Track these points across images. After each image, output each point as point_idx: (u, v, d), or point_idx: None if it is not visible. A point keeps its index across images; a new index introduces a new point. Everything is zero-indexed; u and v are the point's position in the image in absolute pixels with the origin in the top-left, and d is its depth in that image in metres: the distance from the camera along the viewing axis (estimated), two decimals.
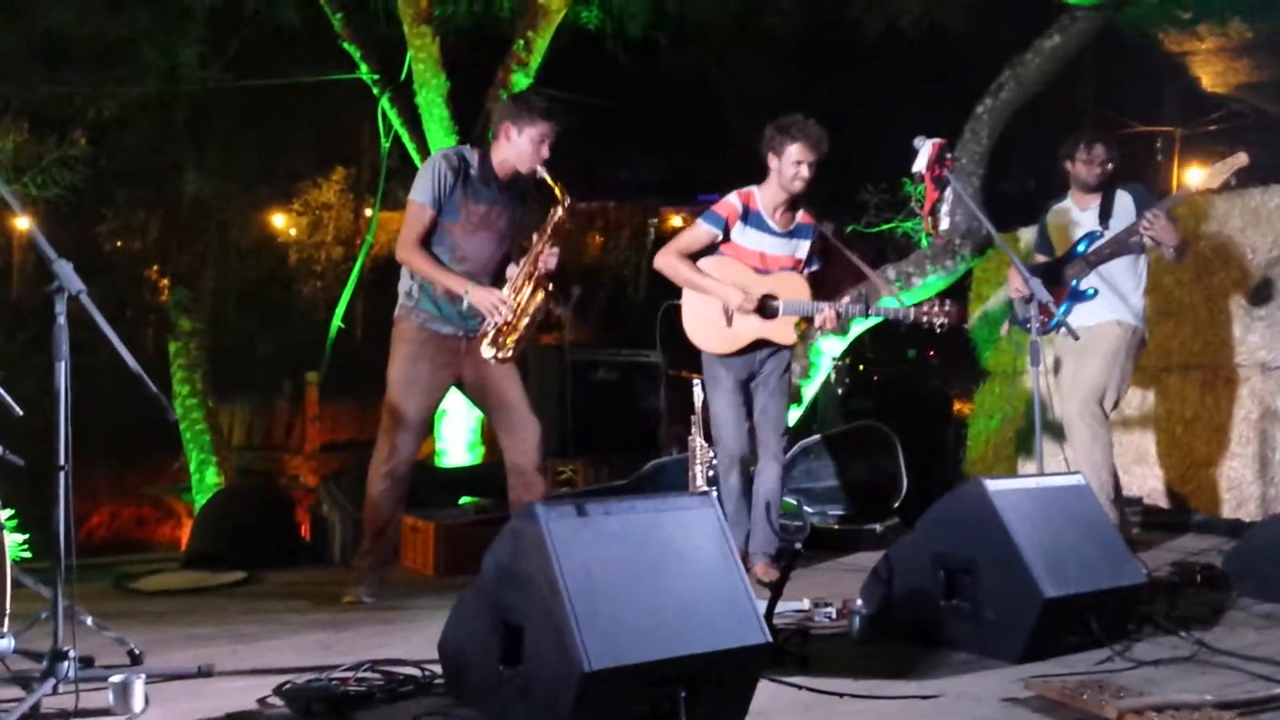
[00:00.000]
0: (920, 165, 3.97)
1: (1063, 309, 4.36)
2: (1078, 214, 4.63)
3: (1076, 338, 4.02)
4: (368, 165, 14.55)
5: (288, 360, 15.05)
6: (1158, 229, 4.30)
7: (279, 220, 15.88)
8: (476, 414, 8.53)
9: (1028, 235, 5.90)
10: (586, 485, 6.37)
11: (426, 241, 3.95)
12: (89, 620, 2.94)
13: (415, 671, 2.77)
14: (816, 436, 5.78)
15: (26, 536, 7.83)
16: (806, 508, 5.46)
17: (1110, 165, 4.55)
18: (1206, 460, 5.42)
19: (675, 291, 4.36)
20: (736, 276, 4.22)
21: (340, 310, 12.06)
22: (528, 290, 3.93)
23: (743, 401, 4.27)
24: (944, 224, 5.99)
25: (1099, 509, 3.39)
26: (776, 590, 3.03)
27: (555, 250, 3.93)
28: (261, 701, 2.62)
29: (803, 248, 4.31)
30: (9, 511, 2.65)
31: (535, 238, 3.96)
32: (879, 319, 7.30)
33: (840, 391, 7.98)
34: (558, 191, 3.92)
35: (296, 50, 10.14)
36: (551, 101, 4.02)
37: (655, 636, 2.26)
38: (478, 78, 8.60)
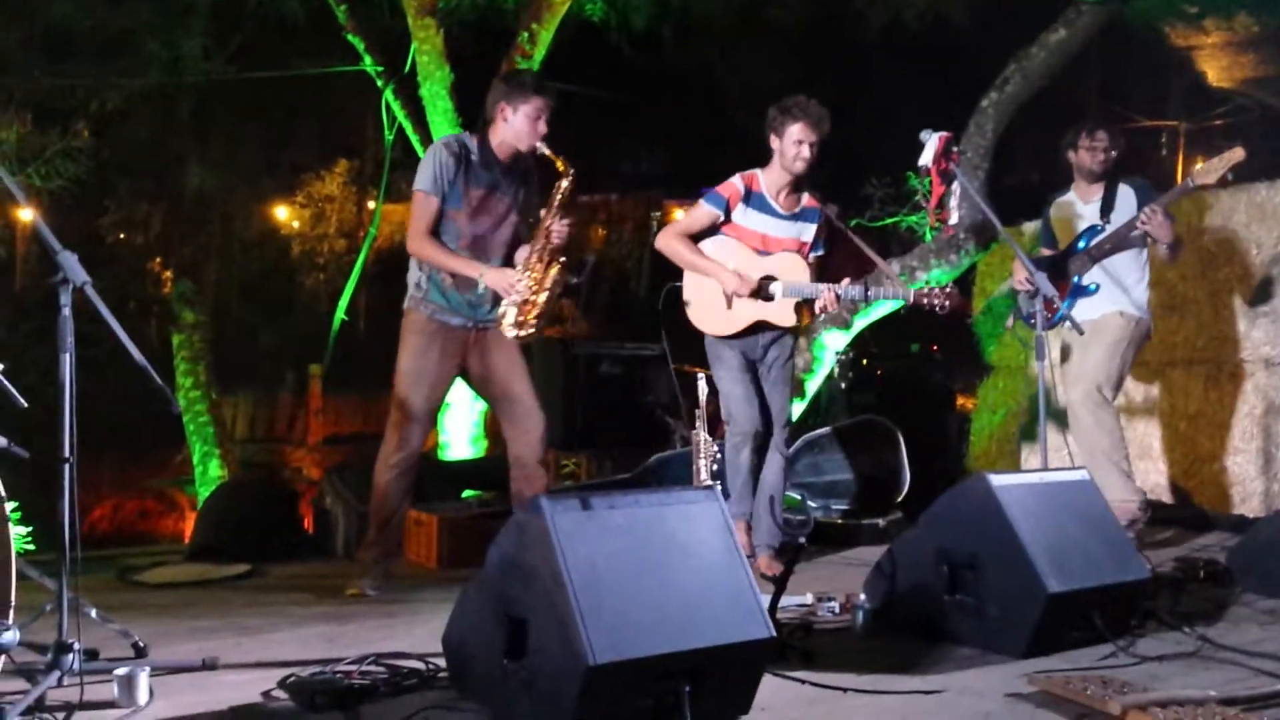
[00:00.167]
0: (927, 159, 3.97)
1: (1065, 304, 4.36)
2: (1080, 207, 4.64)
3: (1081, 332, 4.03)
4: (371, 158, 14.53)
5: (291, 353, 15.05)
6: (1154, 225, 4.30)
7: (282, 212, 15.87)
8: (480, 407, 8.53)
9: (1032, 229, 5.89)
10: (590, 479, 6.38)
11: (435, 231, 3.96)
12: (93, 613, 2.95)
13: (419, 665, 2.77)
14: (820, 431, 5.78)
15: (30, 529, 7.84)
16: (810, 502, 5.46)
17: (1113, 152, 4.54)
18: (1210, 456, 5.41)
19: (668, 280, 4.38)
20: (736, 257, 4.23)
21: (344, 303, 12.05)
22: (541, 266, 3.94)
23: (751, 379, 4.26)
24: (954, 218, 5.97)
25: (1103, 504, 3.38)
26: (780, 584, 3.03)
27: (565, 222, 3.94)
28: (266, 694, 2.62)
29: (808, 231, 4.30)
30: (13, 504, 2.65)
31: (543, 213, 3.97)
32: (883, 313, 7.34)
33: (843, 385, 7.97)
34: (559, 164, 3.94)
35: (300, 42, 10.12)
36: (540, 76, 4.04)
37: (659, 630, 2.26)
38: (482, 70, 8.55)
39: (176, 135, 11.39)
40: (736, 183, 4.26)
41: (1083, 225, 4.57)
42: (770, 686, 2.58)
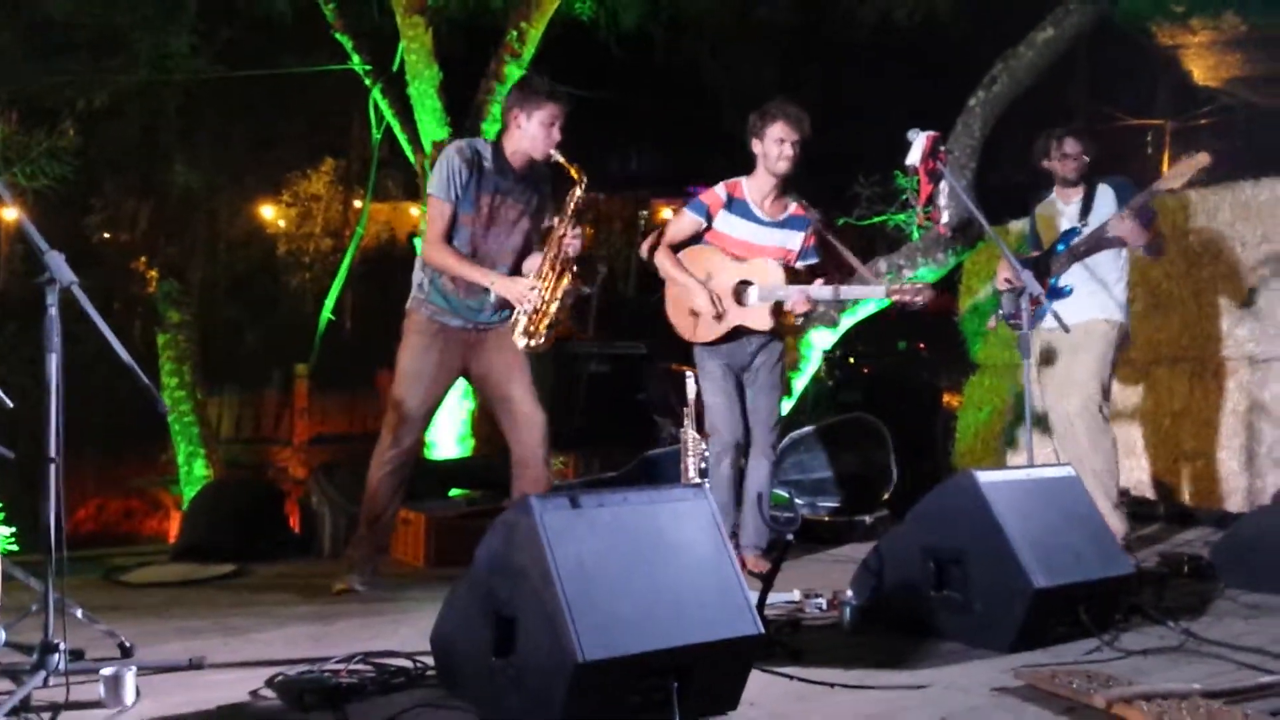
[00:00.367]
0: (914, 158, 3.98)
1: (1044, 307, 4.34)
2: (1061, 207, 4.66)
3: (1068, 329, 4.03)
4: (358, 157, 14.49)
5: (277, 352, 14.99)
6: (1123, 230, 4.31)
7: (268, 211, 15.82)
8: (467, 406, 8.52)
9: (1018, 228, 5.91)
10: (578, 477, 6.38)
11: (450, 236, 3.94)
12: (79, 613, 2.93)
13: (407, 663, 2.77)
14: (807, 429, 5.80)
15: (14, 530, 7.80)
16: (797, 499, 5.47)
17: (1085, 158, 4.54)
18: (1194, 452, 5.45)
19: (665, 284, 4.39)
20: (710, 262, 4.26)
21: (330, 302, 12.01)
22: (553, 275, 3.91)
23: (735, 389, 4.28)
24: (945, 216, 5.99)
25: (1088, 500, 3.40)
26: (767, 581, 3.04)
27: (578, 232, 3.92)
28: (253, 694, 2.62)
29: (794, 239, 4.31)
30: None
31: (556, 221, 3.95)
32: (870, 311, 7.36)
33: (830, 384, 8.01)
34: (574, 172, 3.90)
35: (288, 40, 10.08)
36: (553, 82, 3.98)
37: (648, 627, 2.27)
38: (470, 69, 8.57)
39: (163, 133, 11.35)
40: (719, 190, 4.30)
41: (1064, 225, 4.60)
42: (758, 682, 2.59)
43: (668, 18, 9.50)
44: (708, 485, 4.11)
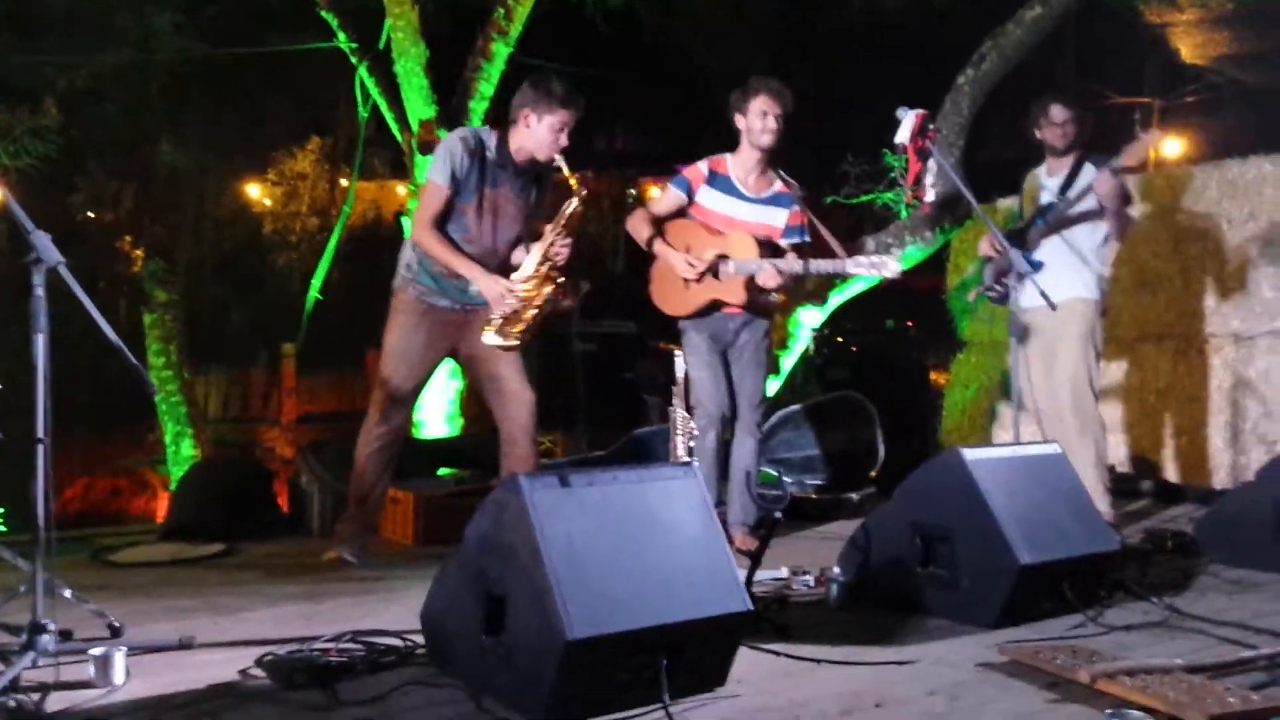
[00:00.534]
0: (903, 136, 3.97)
1: (1021, 282, 4.29)
2: (1045, 180, 4.62)
3: (1054, 306, 3.99)
4: (344, 135, 14.39)
5: (264, 331, 14.95)
6: (1099, 183, 4.23)
7: (254, 190, 15.73)
8: (455, 385, 8.51)
9: (1006, 205, 5.92)
10: (566, 456, 6.38)
11: (442, 220, 3.92)
12: (68, 593, 2.93)
13: (397, 642, 2.78)
14: (795, 406, 5.81)
15: (1, 510, 7.78)
16: (785, 477, 5.49)
17: (1072, 125, 4.46)
18: (1179, 429, 5.49)
19: (652, 261, 4.39)
20: (689, 236, 4.27)
21: (317, 281, 11.95)
22: (536, 281, 3.89)
23: (720, 363, 4.30)
24: (930, 195, 6.00)
25: (1073, 477, 3.42)
26: (756, 558, 3.05)
27: (568, 242, 3.89)
28: (243, 673, 2.63)
29: (779, 215, 4.30)
30: None
31: (548, 229, 3.92)
32: (859, 289, 7.37)
33: (818, 362, 8.01)
34: (574, 183, 3.87)
35: (273, 18, 9.99)
36: (572, 87, 3.91)
37: (637, 605, 2.28)
38: (457, 47, 8.51)
39: (147, 112, 11.24)
40: (701, 166, 4.32)
41: (1044, 200, 4.56)
42: (746, 659, 2.61)
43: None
44: (697, 464, 4.12)
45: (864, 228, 8.07)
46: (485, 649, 2.37)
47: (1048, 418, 4.49)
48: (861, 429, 5.69)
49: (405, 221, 8.62)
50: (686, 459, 3.86)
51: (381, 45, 8.58)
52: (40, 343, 2.53)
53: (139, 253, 12.47)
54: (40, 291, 2.53)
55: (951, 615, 3.10)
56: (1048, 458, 3.40)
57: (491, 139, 3.97)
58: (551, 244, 3.88)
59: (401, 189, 12.34)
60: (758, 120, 4.19)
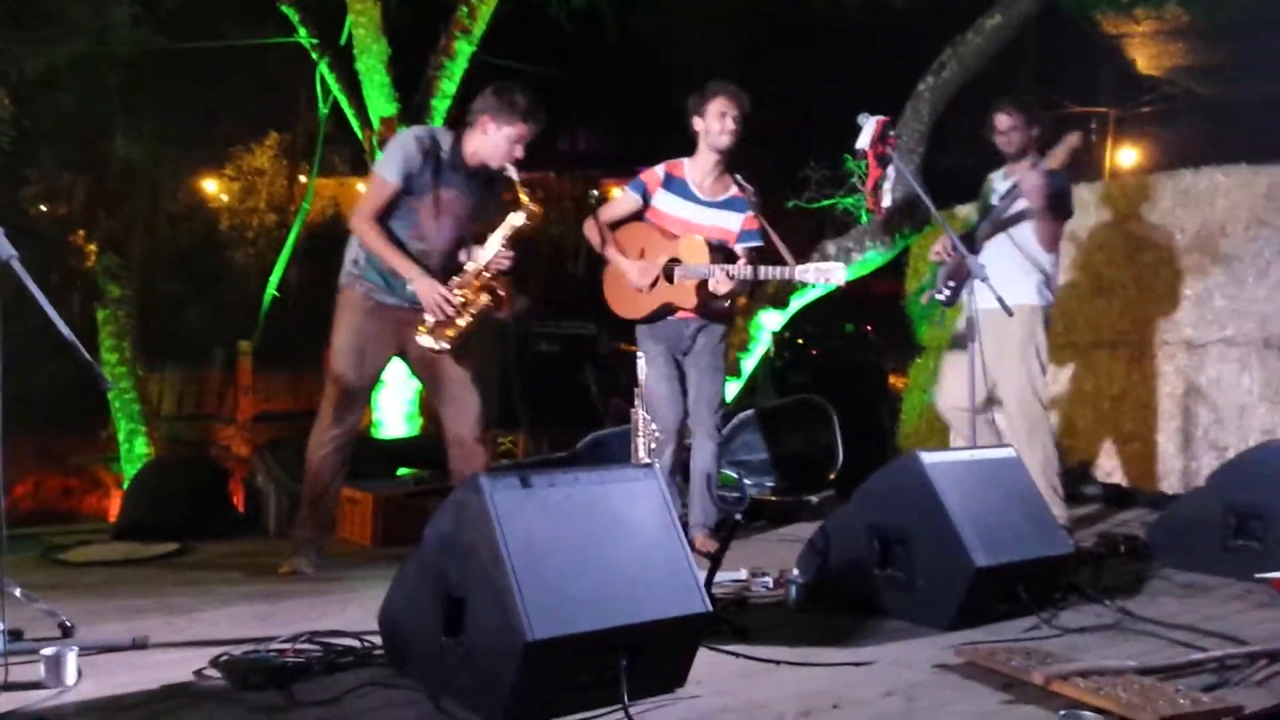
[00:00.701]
0: (864, 142, 4.00)
1: (969, 284, 4.27)
2: (996, 185, 4.63)
3: (1010, 313, 4.01)
4: (304, 131, 14.26)
5: (220, 329, 14.75)
6: (1027, 183, 4.23)
7: (211, 185, 15.53)
8: (414, 385, 8.45)
9: (965, 211, 5.97)
10: (527, 456, 6.36)
11: (385, 215, 3.89)
12: (18, 592, 2.88)
13: (355, 642, 2.76)
14: (754, 409, 5.83)
15: None
16: (745, 479, 5.52)
17: (1017, 133, 4.41)
18: (1132, 434, 5.57)
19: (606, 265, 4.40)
20: (643, 239, 4.29)
21: (275, 278, 11.83)
22: (473, 290, 3.88)
23: (676, 374, 4.30)
24: (886, 200, 6.05)
25: (1029, 480, 3.46)
26: (715, 560, 3.06)
27: (510, 254, 3.89)
28: (198, 673, 2.59)
29: (733, 220, 4.30)
30: None
31: (492, 237, 3.90)
32: (819, 294, 7.41)
33: (779, 364, 8.05)
34: (523, 197, 3.87)
35: (232, 11, 9.88)
36: (536, 100, 3.90)
37: (598, 606, 2.28)
38: (420, 45, 8.46)
39: (103, 104, 11.06)
40: (658, 169, 4.34)
41: (993, 202, 4.59)
42: (705, 660, 2.62)
43: None
44: (657, 465, 4.13)
45: (825, 232, 8.12)
46: (444, 650, 2.35)
47: (980, 422, 4.41)
48: (821, 432, 5.72)
49: None
50: (648, 460, 3.86)
51: (343, 41, 8.52)
52: None
53: (92, 247, 12.27)
54: None
55: (909, 617, 3.13)
56: (1003, 461, 3.44)
57: (447, 139, 3.95)
58: (496, 253, 3.88)
59: (361, 186, 12.22)
60: (716, 122, 4.20)
